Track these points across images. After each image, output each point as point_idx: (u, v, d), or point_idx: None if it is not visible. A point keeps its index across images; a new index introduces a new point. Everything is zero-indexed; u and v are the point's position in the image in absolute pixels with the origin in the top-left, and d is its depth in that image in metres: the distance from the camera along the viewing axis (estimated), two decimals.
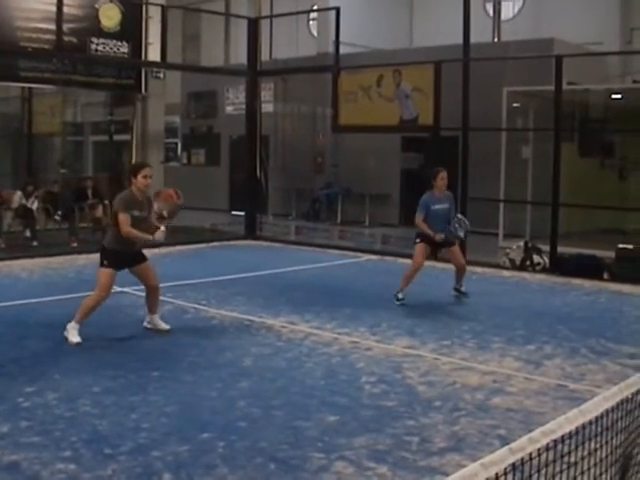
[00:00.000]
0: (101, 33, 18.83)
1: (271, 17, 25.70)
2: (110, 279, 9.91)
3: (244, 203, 20.91)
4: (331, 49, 20.72)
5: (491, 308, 11.94)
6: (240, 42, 24.44)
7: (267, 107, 24.41)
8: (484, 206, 18.07)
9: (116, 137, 23.60)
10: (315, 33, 28.65)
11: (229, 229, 18.11)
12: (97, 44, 18.79)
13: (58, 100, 26.08)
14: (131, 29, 19.53)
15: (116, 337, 9.90)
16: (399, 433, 6.51)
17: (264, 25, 22.60)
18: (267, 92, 25.07)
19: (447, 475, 5.45)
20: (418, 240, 12.40)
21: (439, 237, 12.14)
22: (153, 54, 19.84)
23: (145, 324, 10.41)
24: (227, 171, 27.66)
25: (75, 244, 17.91)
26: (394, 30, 28.49)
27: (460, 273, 12.78)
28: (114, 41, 19.12)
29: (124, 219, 9.62)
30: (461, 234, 12.63)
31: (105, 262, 9.94)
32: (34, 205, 18.42)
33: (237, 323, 10.63)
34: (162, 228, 9.92)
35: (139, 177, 9.84)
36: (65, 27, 17.66)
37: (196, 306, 11.56)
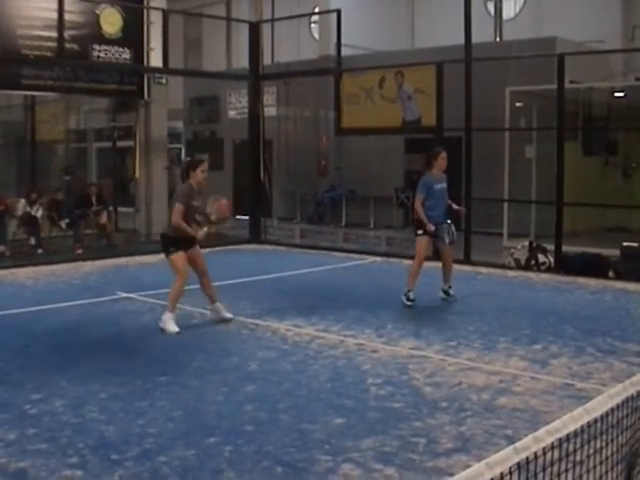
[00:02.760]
0: (103, 39, 18.89)
1: (272, 21, 25.76)
2: (183, 261, 10.63)
3: (248, 207, 20.94)
4: (333, 52, 20.72)
5: (496, 308, 11.90)
6: (242, 46, 24.48)
7: (270, 111, 24.43)
8: (488, 206, 18.07)
9: (119, 143, 23.61)
10: (316, 36, 28.67)
11: (233, 233, 18.12)
12: (99, 50, 18.84)
13: (61, 107, 26.13)
14: (133, 35, 19.59)
15: (122, 343, 9.93)
16: (406, 434, 6.50)
17: (265, 29, 22.62)
18: (270, 96, 25.10)
19: (454, 476, 5.50)
20: (420, 232, 12.18)
21: (430, 227, 11.92)
22: (155, 60, 19.87)
23: (209, 312, 11.12)
24: (231, 175, 27.68)
25: (80, 251, 17.95)
26: (395, 31, 28.51)
27: (447, 269, 12.67)
28: (116, 47, 19.18)
29: (179, 209, 10.44)
30: (447, 240, 12.36)
31: (172, 249, 10.64)
32: (38, 213, 18.45)
33: (243, 327, 10.63)
34: (205, 229, 10.73)
35: (198, 171, 10.69)
36: (66, 34, 17.68)
37: (201, 311, 11.54)
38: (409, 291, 12.07)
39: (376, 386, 7.89)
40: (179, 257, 10.59)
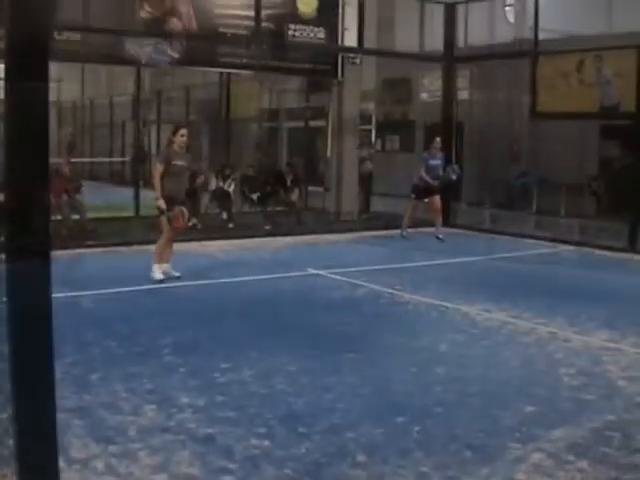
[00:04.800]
0: (298, 19, 19.03)
1: (467, 2, 25.36)
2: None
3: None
4: (527, 35, 20.24)
5: None
6: (435, 28, 24.19)
7: (462, 94, 24.11)
8: None
9: (311, 123, 23.83)
10: (511, 19, 28.07)
11: (424, 216, 18.05)
12: (294, 30, 19.00)
13: (255, 86, 26.59)
14: (327, 15, 19.64)
15: (310, 318, 10.02)
16: (599, 428, 6.29)
17: (459, 10, 22.29)
18: (462, 79, 24.75)
19: None
20: (414, 196, 17.40)
21: (434, 182, 17.07)
22: (349, 40, 19.92)
23: (161, 275, 11.87)
24: None
25: (268, 227, 18.21)
26: (592, 14, 27.55)
27: (437, 219, 17.35)
28: (311, 27, 19.28)
29: (157, 167, 11.83)
30: (454, 177, 17.59)
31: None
32: (231, 188, 18.83)
33: (432, 309, 10.55)
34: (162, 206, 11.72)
35: (177, 135, 11.89)
36: (263, 13, 17.94)
37: (391, 291, 11.54)
38: (403, 230, 17.47)
39: (569, 376, 7.66)
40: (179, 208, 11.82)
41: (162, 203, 11.64)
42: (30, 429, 2.47)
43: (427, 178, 17.11)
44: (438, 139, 17.76)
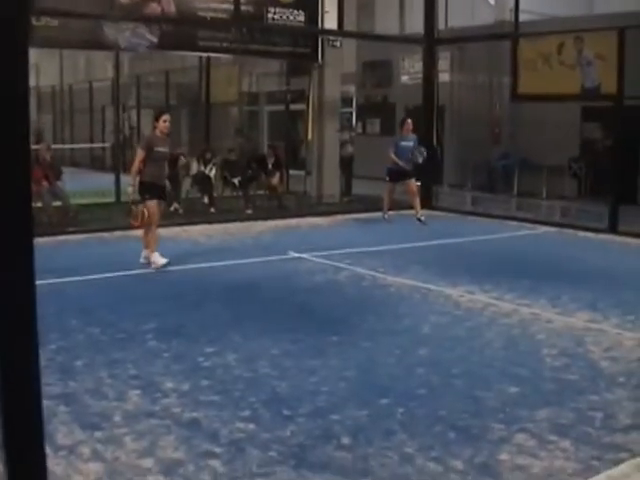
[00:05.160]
0: (278, 2, 18.97)
1: None
2: (154, 209, 11.74)
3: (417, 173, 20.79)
4: (508, 17, 20.25)
5: None
6: (415, 10, 24.19)
7: (443, 76, 24.13)
8: None
9: (292, 106, 23.81)
10: (491, 1, 28.07)
11: (403, 198, 18.06)
12: (274, 13, 18.95)
13: (234, 70, 26.53)
14: None
15: (294, 301, 10.03)
16: (582, 408, 6.33)
17: None
18: (443, 61, 24.76)
19: (632, 453, 5.32)
20: (387, 179, 17.62)
21: (406, 166, 17.12)
22: (329, 22, 19.86)
23: (141, 260, 11.89)
24: None
25: (250, 211, 18.21)
26: None
27: (414, 201, 17.38)
28: (290, 10, 19.23)
29: (139, 154, 11.74)
30: (419, 159, 17.35)
31: (147, 196, 11.72)
32: (212, 172, 18.82)
33: (415, 291, 10.58)
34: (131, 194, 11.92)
35: (160, 121, 11.81)
36: None
37: (373, 273, 11.58)
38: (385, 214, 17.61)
39: (551, 357, 7.71)
40: (152, 205, 11.67)
41: (131, 191, 11.72)
42: (16, 417, 2.48)
43: (397, 160, 17.24)
44: (409, 120, 17.80)
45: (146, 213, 11.61)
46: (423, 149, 17.61)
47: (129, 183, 11.90)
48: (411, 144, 17.44)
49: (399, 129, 18.11)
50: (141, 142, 12.28)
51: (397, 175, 17.42)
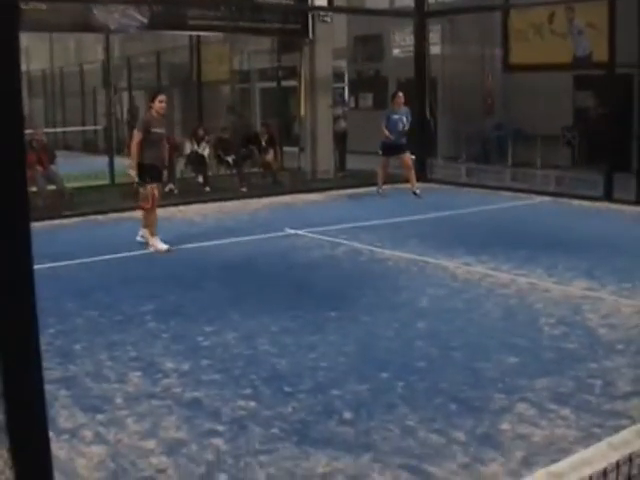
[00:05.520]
0: None
1: None
2: (153, 192, 11.70)
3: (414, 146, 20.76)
4: None
5: None
6: None
7: (434, 49, 24.03)
8: None
9: (284, 83, 23.73)
10: None
11: (398, 172, 18.05)
12: None
13: (225, 48, 26.39)
14: None
15: (292, 278, 10.04)
16: (581, 376, 6.35)
17: None
18: (434, 34, 24.66)
19: (632, 419, 5.34)
20: (381, 153, 17.63)
21: (396, 139, 17.13)
22: None
23: (138, 237, 11.90)
24: None
25: (245, 189, 18.18)
26: None
27: (410, 175, 17.43)
28: None
29: (136, 135, 11.60)
30: (400, 127, 17.21)
31: (148, 178, 11.66)
32: (205, 151, 18.78)
33: (412, 264, 10.59)
34: (133, 176, 11.72)
35: (156, 102, 11.73)
36: None
37: (370, 248, 11.59)
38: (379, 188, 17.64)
39: (549, 326, 7.73)
40: (152, 188, 11.61)
41: (134, 173, 11.58)
42: (18, 403, 2.48)
43: (389, 134, 17.27)
44: (400, 94, 17.84)
45: (156, 194, 11.62)
46: (409, 117, 17.67)
47: (130, 166, 11.79)
48: (403, 117, 17.44)
49: (391, 103, 18.11)
50: (138, 124, 12.18)
51: (391, 149, 17.45)
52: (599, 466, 2.33)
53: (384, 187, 17.55)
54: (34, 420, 2.52)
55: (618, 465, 2.47)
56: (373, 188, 17.73)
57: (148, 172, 11.54)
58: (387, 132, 17.27)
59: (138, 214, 12.34)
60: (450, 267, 10.38)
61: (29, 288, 2.50)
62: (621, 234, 12.70)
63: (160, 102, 11.70)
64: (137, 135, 11.58)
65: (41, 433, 2.55)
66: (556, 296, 8.87)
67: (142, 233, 11.88)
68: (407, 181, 17.56)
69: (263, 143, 19.19)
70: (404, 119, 17.39)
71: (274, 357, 6.94)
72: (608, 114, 16.93)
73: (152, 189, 11.54)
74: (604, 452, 2.32)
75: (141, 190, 11.63)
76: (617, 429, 5.19)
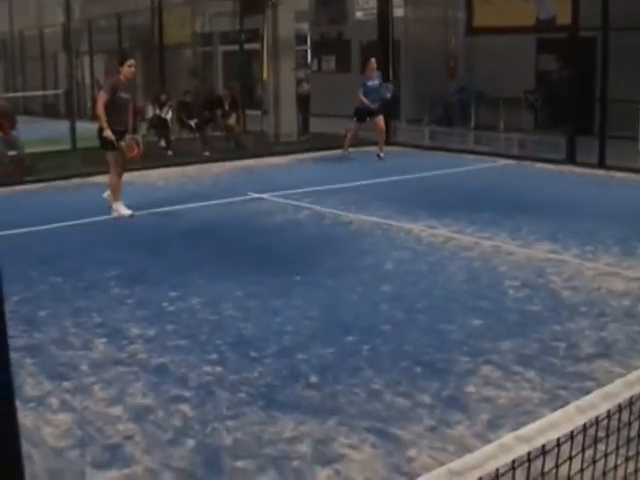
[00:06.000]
0: None
1: None
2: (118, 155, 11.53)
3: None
4: None
5: (634, 214, 11.43)
6: None
7: (398, 12, 23.94)
8: (626, 109, 17.39)
9: (246, 46, 23.58)
10: None
11: (364, 135, 18.02)
12: None
13: (187, 11, 26.18)
14: None
15: (254, 242, 10.03)
16: (545, 338, 6.41)
17: None
18: None
19: (596, 381, 5.40)
20: (355, 119, 17.58)
21: (373, 106, 17.26)
22: None
23: (104, 195, 11.85)
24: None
25: (208, 153, 18.08)
26: None
27: (380, 138, 17.65)
28: None
29: (102, 97, 11.42)
30: (388, 95, 17.80)
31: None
32: (168, 115, 18.63)
33: (376, 228, 10.61)
34: (110, 136, 11.28)
35: (125, 66, 11.54)
36: None
37: (334, 211, 11.59)
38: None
39: (513, 288, 7.79)
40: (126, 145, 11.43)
41: (110, 134, 11.29)
42: None
43: (366, 101, 17.29)
44: (373, 60, 17.92)
45: (138, 140, 11.56)
46: (390, 85, 18.15)
47: (104, 128, 11.46)
48: (377, 82, 17.61)
49: (365, 70, 18.07)
50: (104, 85, 11.97)
51: (365, 114, 17.56)
52: (566, 429, 2.35)
53: (350, 150, 17.52)
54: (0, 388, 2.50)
55: (585, 428, 2.49)
56: (337, 151, 17.70)
57: (116, 135, 11.34)
58: (364, 99, 17.29)
59: (101, 179, 12.23)
60: (414, 230, 10.41)
61: None
62: (584, 197, 12.79)
63: (129, 67, 11.50)
64: (103, 96, 11.34)
65: (7, 401, 2.54)
66: (520, 259, 8.93)
67: (107, 194, 11.76)
68: (375, 144, 17.62)
69: (226, 106, 19.05)
70: (378, 84, 17.59)
71: (239, 322, 6.95)
72: (571, 77, 16.96)
73: (132, 137, 11.45)
74: (571, 415, 2.34)
75: (122, 143, 11.36)
76: (582, 391, 5.26)
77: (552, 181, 14.54)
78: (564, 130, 16.45)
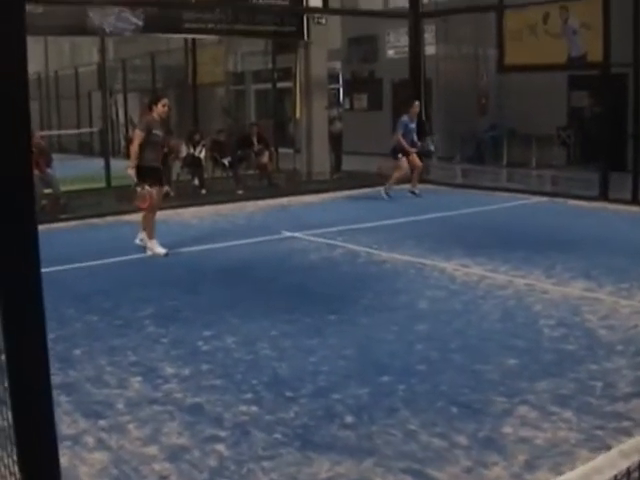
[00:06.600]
0: None
1: None
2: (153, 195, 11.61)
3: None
4: None
5: None
6: None
7: (429, 49, 24.04)
8: None
9: (279, 84, 23.75)
10: None
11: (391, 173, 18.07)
12: None
13: (220, 50, 26.42)
14: None
15: (288, 281, 10.03)
16: (582, 378, 6.35)
17: None
18: (428, 34, 24.67)
19: (634, 421, 5.35)
20: (400, 155, 17.27)
21: (414, 150, 17.45)
22: (314, 0, 19.81)
23: (137, 240, 11.83)
24: (389, 115, 27.40)
25: (241, 191, 18.17)
26: None
27: (416, 174, 17.65)
28: None
29: (138, 135, 11.53)
30: (432, 148, 18.99)
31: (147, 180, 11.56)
32: (201, 154, 18.77)
33: (410, 266, 10.59)
34: (133, 177, 11.46)
35: (159, 105, 11.63)
36: None
37: (368, 250, 11.59)
38: (387, 189, 17.25)
39: (549, 327, 7.73)
40: (154, 191, 11.53)
41: (133, 173, 11.39)
42: (27, 411, 2.48)
43: (403, 142, 17.23)
44: (417, 102, 17.91)
45: (154, 194, 11.57)
46: (436, 137, 18.96)
47: (129, 166, 11.62)
48: (414, 126, 17.70)
49: (409, 111, 17.76)
50: (140, 124, 12.10)
51: (399, 153, 17.47)
52: (610, 474, 2.33)
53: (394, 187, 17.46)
54: (42, 426, 2.52)
55: (629, 472, 2.47)
56: (369, 189, 17.73)
57: (147, 174, 11.46)
58: (403, 141, 17.29)
59: (136, 217, 12.31)
60: (448, 269, 10.38)
61: (38, 292, 2.50)
62: (617, 234, 12.72)
63: (163, 106, 11.60)
64: (139, 135, 11.44)
65: (49, 440, 2.55)
66: (555, 297, 8.87)
67: (141, 236, 11.84)
68: (407, 181, 17.58)
69: (254, 141, 19.14)
70: (414, 128, 17.73)
71: (274, 361, 6.93)
72: (603, 113, 16.95)
73: (150, 190, 11.48)
74: (614, 460, 2.32)
75: (138, 190, 11.55)
76: (619, 431, 5.23)
77: (585, 218, 14.49)
78: (597, 166, 16.42)
